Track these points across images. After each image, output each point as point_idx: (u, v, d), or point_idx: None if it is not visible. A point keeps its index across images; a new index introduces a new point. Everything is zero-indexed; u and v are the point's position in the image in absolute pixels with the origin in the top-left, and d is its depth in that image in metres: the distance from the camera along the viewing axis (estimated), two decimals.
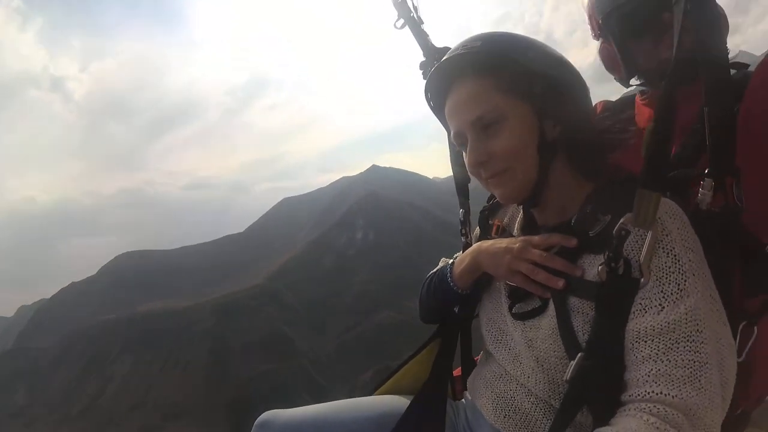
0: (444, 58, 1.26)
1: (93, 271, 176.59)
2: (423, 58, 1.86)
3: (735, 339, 1.14)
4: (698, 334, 0.99)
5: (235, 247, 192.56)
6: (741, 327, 1.19)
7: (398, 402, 1.59)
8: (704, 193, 1.13)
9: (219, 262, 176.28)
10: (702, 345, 0.99)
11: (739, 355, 1.14)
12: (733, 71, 1.34)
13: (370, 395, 1.71)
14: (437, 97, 1.35)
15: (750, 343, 1.17)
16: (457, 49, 1.23)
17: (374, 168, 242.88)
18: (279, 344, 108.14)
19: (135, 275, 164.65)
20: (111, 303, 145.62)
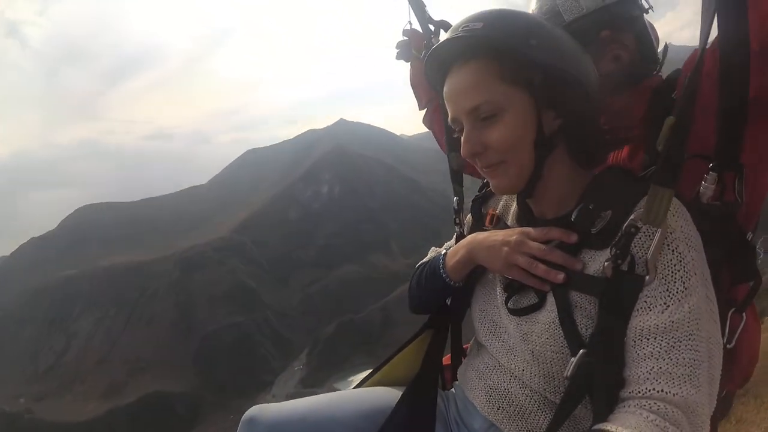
0: (443, 40, 1.20)
1: (53, 225, 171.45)
2: (408, 26, 1.90)
3: (725, 327, 1.18)
4: (698, 332, 1.00)
5: (198, 199, 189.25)
6: (730, 315, 1.21)
7: (389, 394, 1.54)
8: (707, 186, 1.13)
9: (182, 214, 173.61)
10: (700, 343, 1.00)
11: (729, 342, 1.18)
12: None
13: (360, 387, 1.68)
14: (435, 78, 1.30)
15: (739, 331, 1.20)
16: (457, 30, 1.16)
17: (342, 122, 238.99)
18: (243, 297, 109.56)
19: (96, 228, 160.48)
20: (73, 258, 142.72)
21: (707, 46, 1.01)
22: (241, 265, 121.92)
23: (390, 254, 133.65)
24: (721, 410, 1.45)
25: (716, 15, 1.03)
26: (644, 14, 1.59)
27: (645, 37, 1.55)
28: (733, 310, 1.22)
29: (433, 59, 1.26)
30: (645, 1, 1.60)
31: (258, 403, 1.45)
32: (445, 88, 1.25)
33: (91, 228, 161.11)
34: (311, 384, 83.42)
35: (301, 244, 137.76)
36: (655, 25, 1.64)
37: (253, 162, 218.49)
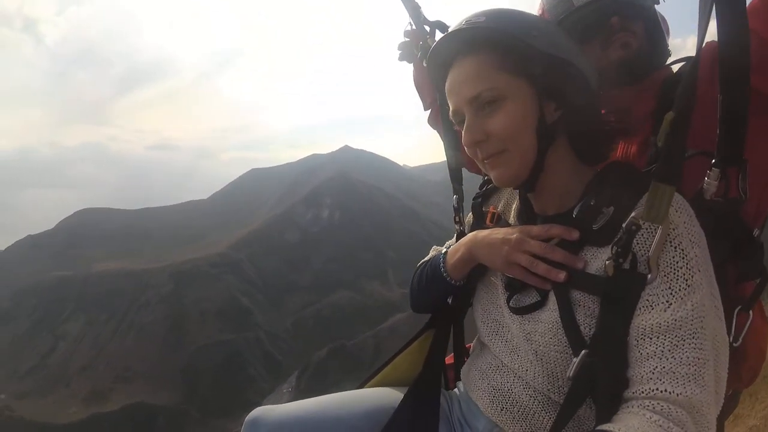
0: (447, 33, 1.22)
1: (50, 225, 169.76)
2: (408, 27, 1.86)
3: (731, 325, 1.16)
4: (702, 330, 0.99)
5: (197, 213, 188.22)
6: (736, 312, 1.20)
7: (391, 394, 1.53)
8: (710, 182, 1.12)
9: (180, 227, 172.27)
10: (704, 342, 0.98)
11: (735, 340, 1.17)
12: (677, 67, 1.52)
13: (361, 388, 1.65)
14: (438, 74, 1.31)
15: (746, 328, 1.20)
16: (460, 24, 1.19)
17: (346, 148, 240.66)
18: (236, 315, 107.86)
19: (94, 233, 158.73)
20: (67, 259, 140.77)
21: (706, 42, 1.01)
22: (236, 282, 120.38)
23: (386, 283, 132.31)
24: (729, 409, 1.47)
25: (714, 8, 1.02)
26: (655, 5, 1.56)
27: (655, 27, 1.53)
28: (739, 308, 1.21)
29: (435, 54, 1.27)
30: None
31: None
32: (447, 82, 1.25)
33: (89, 231, 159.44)
34: None
35: (297, 267, 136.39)
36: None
37: (256, 181, 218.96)
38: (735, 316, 1.19)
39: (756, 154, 1.10)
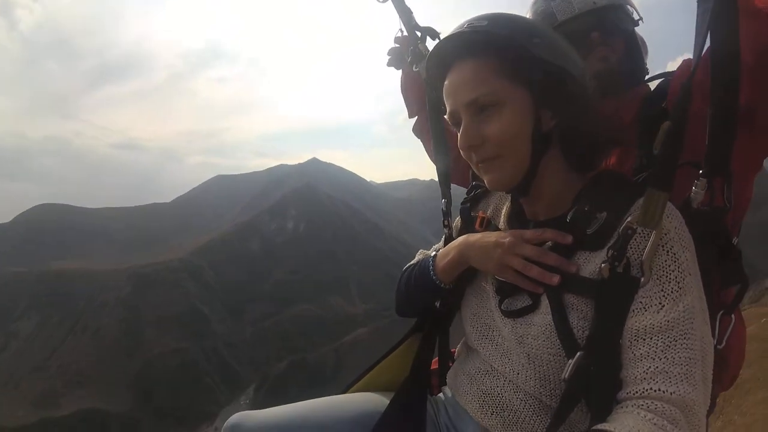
0: (449, 34, 1.21)
1: (7, 218, 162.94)
2: (399, 33, 1.90)
3: (714, 328, 1.19)
4: (692, 332, 1.01)
5: (160, 216, 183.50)
6: (719, 316, 1.24)
7: (377, 400, 1.53)
8: (697, 191, 1.15)
9: (141, 229, 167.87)
10: (694, 342, 1.01)
11: (719, 343, 1.20)
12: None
13: (345, 392, 1.65)
14: (436, 74, 1.31)
15: (729, 331, 1.23)
16: (462, 26, 1.17)
17: (314, 161, 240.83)
18: (194, 322, 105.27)
19: (52, 229, 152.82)
20: (22, 255, 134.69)
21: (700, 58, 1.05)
22: (195, 289, 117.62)
23: (348, 297, 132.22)
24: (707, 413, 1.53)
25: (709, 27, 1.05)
26: (635, 26, 1.66)
27: (634, 46, 1.62)
28: (722, 312, 1.25)
29: (435, 55, 1.27)
30: (636, 13, 1.65)
31: None
32: (445, 83, 1.25)
33: (47, 228, 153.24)
34: None
35: (259, 277, 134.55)
36: None
37: (222, 188, 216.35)
38: (719, 319, 1.23)
39: (732, 164, 1.15)
